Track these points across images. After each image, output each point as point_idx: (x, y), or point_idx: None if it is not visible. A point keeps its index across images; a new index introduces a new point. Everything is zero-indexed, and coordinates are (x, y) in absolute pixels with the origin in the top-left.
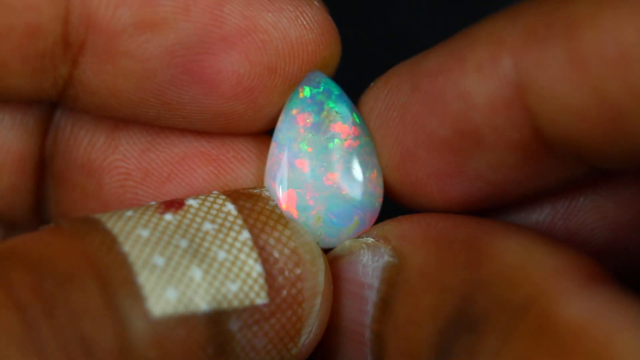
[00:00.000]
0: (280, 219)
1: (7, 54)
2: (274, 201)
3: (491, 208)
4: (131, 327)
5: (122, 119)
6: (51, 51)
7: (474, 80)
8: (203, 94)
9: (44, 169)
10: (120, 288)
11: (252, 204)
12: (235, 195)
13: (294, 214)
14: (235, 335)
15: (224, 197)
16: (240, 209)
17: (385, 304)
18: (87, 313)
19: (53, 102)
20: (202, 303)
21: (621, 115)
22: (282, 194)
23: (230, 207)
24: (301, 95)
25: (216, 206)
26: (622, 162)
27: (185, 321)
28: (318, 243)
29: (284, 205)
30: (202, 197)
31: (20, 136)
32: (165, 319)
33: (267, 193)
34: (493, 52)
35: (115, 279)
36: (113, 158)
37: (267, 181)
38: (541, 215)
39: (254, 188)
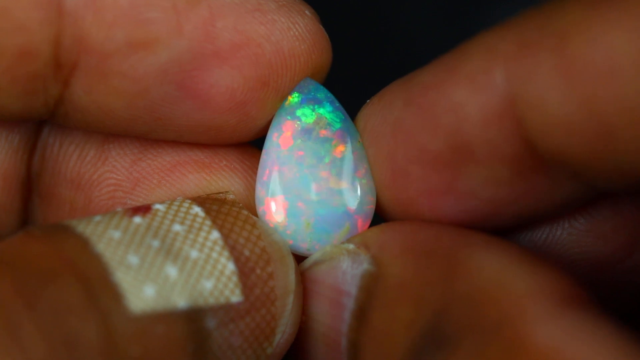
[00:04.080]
0: (247, 219)
1: None
2: (239, 204)
3: (484, 230)
4: (113, 323)
5: (112, 134)
6: (42, 72)
7: (466, 92)
8: (196, 109)
9: (30, 187)
10: (99, 285)
11: (219, 206)
12: (201, 199)
13: (285, 222)
14: (212, 333)
15: (189, 201)
16: (207, 211)
17: (362, 312)
18: (70, 309)
19: (42, 120)
20: (179, 300)
21: (610, 129)
22: (272, 200)
23: (197, 209)
24: (292, 102)
25: (183, 209)
26: (614, 180)
27: (165, 318)
28: (309, 250)
29: (275, 214)
30: (168, 202)
31: (6, 154)
32: (145, 316)
33: (232, 196)
34: (485, 63)
35: (93, 276)
36: (103, 170)
37: (259, 189)
38: None
39: (219, 193)
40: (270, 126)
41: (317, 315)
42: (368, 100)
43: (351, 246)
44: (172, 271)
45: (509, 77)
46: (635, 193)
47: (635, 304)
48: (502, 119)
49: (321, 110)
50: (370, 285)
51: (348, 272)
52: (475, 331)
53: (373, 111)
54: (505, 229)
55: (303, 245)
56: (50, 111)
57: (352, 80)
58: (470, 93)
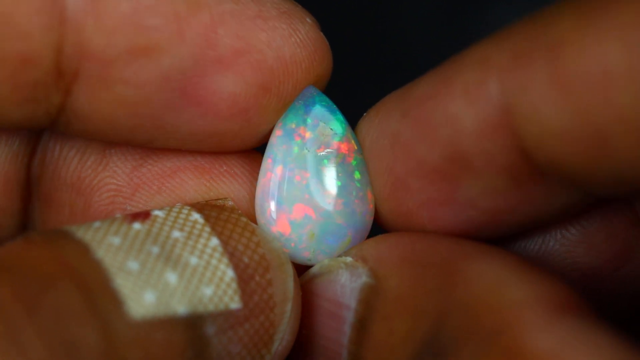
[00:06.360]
0: (246, 226)
1: None
2: (238, 210)
3: (484, 240)
4: (113, 329)
5: (114, 142)
6: (44, 80)
7: (461, 104)
8: (199, 115)
9: (30, 190)
10: (100, 291)
11: (217, 212)
12: (200, 206)
13: (287, 230)
14: (211, 340)
15: (188, 207)
16: (206, 218)
17: (361, 325)
18: (71, 315)
19: (44, 129)
20: (179, 306)
21: (605, 138)
22: (276, 210)
23: (196, 216)
24: (296, 111)
25: (182, 215)
26: (610, 187)
27: (165, 324)
28: (310, 260)
29: (277, 222)
30: (167, 208)
31: (6, 157)
32: (145, 322)
33: (230, 203)
34: (480, 75)
35: (93, 282)
36: (103, 175)
37: (260, 197)
38: None
39: (217, 199)
40: (272, 134)
41: (318, 328)
42: (365, 113)
43: (349, 259)
44: (172, 277)
45: (504, 88)
46: (633, 197)
47: (629, 314)
48: (497, 130)
49: (324, 120)
50: (370, 298)
51: (347, 285)
52: (473, 340)
53: (371, 124)
54: (503, 237)
55: (305, 255)
56: (52, 120)
57: (353, 84)
58: (465, 104)
